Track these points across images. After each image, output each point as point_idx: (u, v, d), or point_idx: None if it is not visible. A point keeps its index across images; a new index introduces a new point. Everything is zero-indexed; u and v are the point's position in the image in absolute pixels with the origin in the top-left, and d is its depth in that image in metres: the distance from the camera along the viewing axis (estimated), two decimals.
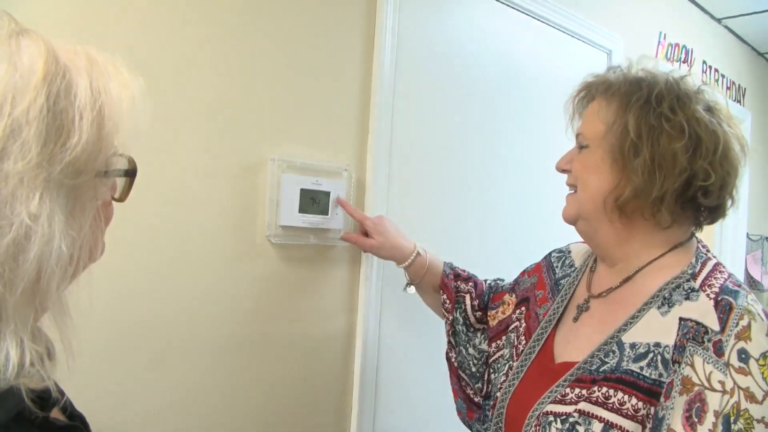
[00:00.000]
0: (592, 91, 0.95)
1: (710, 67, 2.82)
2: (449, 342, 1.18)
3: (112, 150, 0.52)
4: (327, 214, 1.26)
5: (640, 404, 0.78)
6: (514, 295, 1.12)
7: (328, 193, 1.26)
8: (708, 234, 2.84)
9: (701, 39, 2.72)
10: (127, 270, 1.01)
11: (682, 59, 2.57)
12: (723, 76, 2.93)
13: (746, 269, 3.18)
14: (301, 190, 1.22)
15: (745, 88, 3.18)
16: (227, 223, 1.14)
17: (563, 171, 0.97)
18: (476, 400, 1.12)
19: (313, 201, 1.24)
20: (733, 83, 3.05)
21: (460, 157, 1.56)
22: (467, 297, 1.18)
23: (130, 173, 0.55)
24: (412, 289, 1.25)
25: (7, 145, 0.43)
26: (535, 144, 1.71)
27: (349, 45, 1.31)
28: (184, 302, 1.09)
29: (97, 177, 0.50)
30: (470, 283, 1.19)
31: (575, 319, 0.95)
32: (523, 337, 1.00)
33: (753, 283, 3.21)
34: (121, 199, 0.58)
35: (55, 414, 0.55)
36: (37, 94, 0.45)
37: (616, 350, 0.83)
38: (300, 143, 1.23)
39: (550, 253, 1.13)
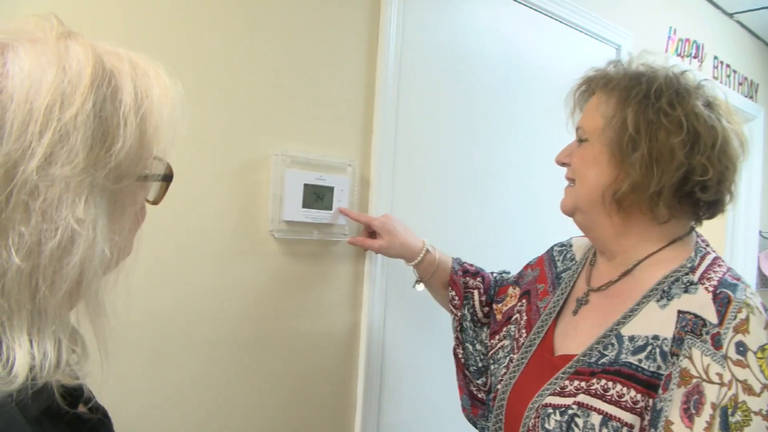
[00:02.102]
0: (593, 86, 0.96)
1: (722, 62, 2.81)
2: (456, 338, 1.19)
3: (152, 155, 0.53)
4: (331, 210, 1.27)
5: (639, 396, 0.79)
6: (517, 288, 1.13)
7: (332, 189, 1.27)
8: (720, 231, 2.85)
9: (712, 34, 2.71)
10: (127, 265, 1.01)
11: (693, 55, 2.57)
12: (735, 71, 2.93)
13: (759, 267, 3.18)
14: (305, 185, 1.22)
15: (758, 84, 3.17)
16: (230, 219, 1.15)
17: (563, 164, 0.99)
18: (480, 396, 1.14)
19: (316, 196, 1.24)
20: (746, 79, 3.05)
21: (465, 152, 1.56)
22: (475, 293, 1.19)
23: (167, 178, 0.57)
24: (421, 287, 1.26)
25: (55, 150, 0.44)
26: (541, 140, 1.71)
27: (354, 40, 1.32)
28: (184, 298, 1.10)
29: (138, 181, 0.52)
30: (478, 278, 1.20)
31: (575, 312, 0.96)
32: (524, 330, 1.02)
33: (765, 281, 3.20)
34: (156, 202, 0.59)
35: (80, 407, 0.57)
36: (84, 99, 0.46)
37: (615, 343, 0.85)
38: (303, 138, 1.24)
39: (552, 247, 1.15)
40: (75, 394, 0.53)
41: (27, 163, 0.43)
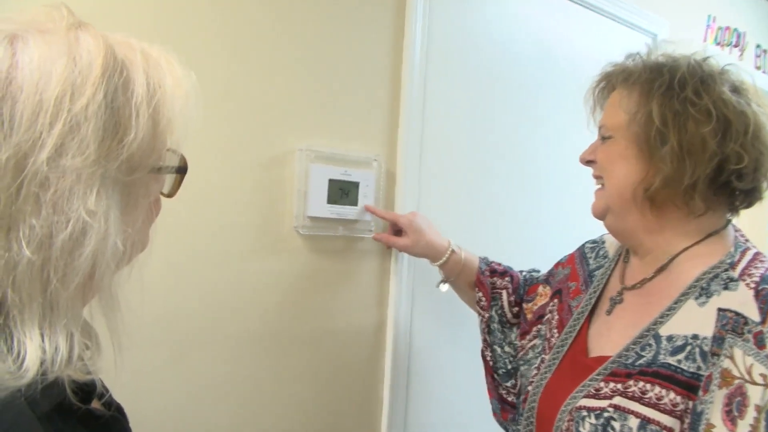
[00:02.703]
0: (612, 81, 0.94)
1: (765, 51, 2.72)
2: (484, 340, 1.18)
3: (166, 147, 0.53)
4: (356, 205, 1.27)
5: (679, 399, 0.76)
6: (548, 287, 1.12)
7: (357, 184, 1.26)
8: (759, 222, 2.73)
9: (754, 21, 2.62)
10: (149, 262, 1.02)
11: (734, 43, 2.49)
12: None
13: None
14: (330, 180, 1.22)
15: None
16: (254, 215, 1.15)
17: (587, 163, 0.97)
18: (510, 399, 1.12)
19: (341, 192, 1.24)
20: None
21: (494, 147, 1.54)
22: (504, 293, 1.17)
23: (182, 170, 0.57)
24: (445, 287, 1.25)
25: (65, 141, 0.44)
26: (572, 135, 1.62)
27: (379, 32, 1.31)
28: (207, 295, 1.10)
29: (151, 173, 0.52)
30: (506, 278, 1.19)
31: (609, 312, 0.94)
32: (555, 330, 1.00)
33: None
34: (171, 195, 0.59)
35: (93, 403, 0.57)
36: (95, 90, 0.46)
37: (653, 343, 0.82)
38: (328, 133, 1.24)
39: (584, 244, 1.12)
40: (87, 390, 0.53)
41: (37, 155, 0.43)
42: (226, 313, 1.13)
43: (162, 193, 0.59)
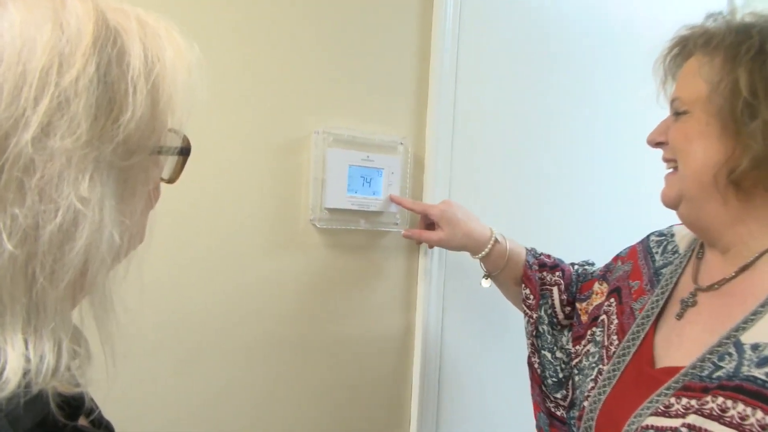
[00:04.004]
0: (689, 47, 0.90)
1: None
2: (531, 345, 1.16)
3: (166, 127, 0.53)
4: (380, 195, 1.25)
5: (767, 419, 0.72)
6: (605, 283, 1.09)
7: (380, 171, 1.25)
8: None
9: None
10: (150, 261, 1.01)
11: None
12: None
13: None
14: (350, 167, 1.21)
15: None
16: (265, 206, 1.14)
17: (657, 145, 0.94)
18: (559, 414, 1.10)
19: (363, 180, 1.23)
20: None
21: (538, 126, 1.50)
22: (554, 290, 1.15)
23: (184, 151, 0.57)
24: (488, 283, 1.23)
25: (53, 119, 0.43)
26: (632, 113, 1.61)
27: (405, 1, 1.29)
28: (215, 297, 1.10)
29: (150, 156, 0.52)
30: (557, 273, 1.16)
31: (679, 316, 0.91)
32: (615, 336, 0.98)
33: None
34: (172, 181, 0.59)
35: (81, 420, 0.56)
36: (86, 61, 0.45)
37: (734, 353, 0.78)
38: (348, 114, 1.22)
39: (648, 236, 1.09)
40: (75, 404, 0.52)
41: (20, 135, 0.42)
42: (233, 317, 1.12)
43: (162, 179, 0.58)
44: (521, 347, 1.18)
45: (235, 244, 1.11)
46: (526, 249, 1.21)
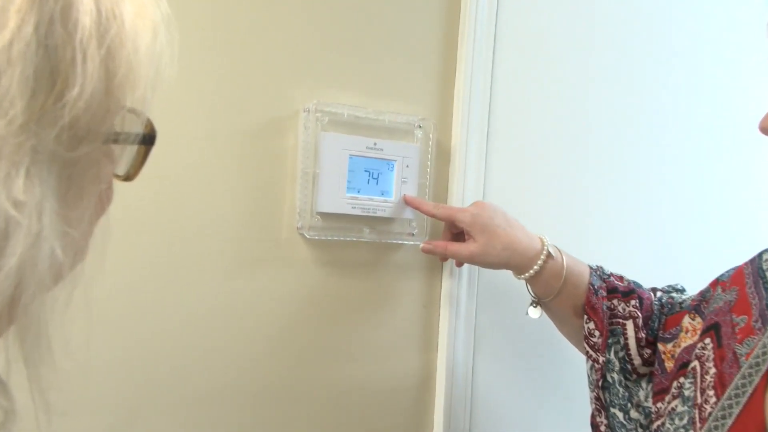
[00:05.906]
0: None
1: None
2: (597, 400, 1.10)
3: (124, 106, 0.52)
4: (390, 196, 1.20)
5: None
6: (698, 318, 1.03)
7: (392, 163, 1.20)
8: None
9: None
10: (97, 278, 1.01)
11: None
12: None
13: None
14: (351, 157, 1.17)
15: None
16: (239, 209, 1.12)
17: None
18: None
19: (368, 175, 1.19)
20: None
21: (597, 107, 1.44)
22: (629, 325, 1.08)
23: (147, 140, 0.55)
24: (537, 312, 1.17)
25: None
26: (716, 93, 1.58)
27: None
28: (172, 330, 1.08)
29: (103, 146, 0.51)
30: (633, 301, 1.09)
31: None
32: (711, 392, 0.91)
33: None
34: (130, 178, 0.58)
35: None
36: (21, 21, 0.43)
37: None
38: (348, 85, 1.19)
39: (761, 254, 1.00)
40: None
41: None
42: (199, 357, 1.10)
43: (116, 175, 0.57)
44: (582, 402, 1.13)
45: (199, 259, 1.09)
46: (591, 268, 1.13)
